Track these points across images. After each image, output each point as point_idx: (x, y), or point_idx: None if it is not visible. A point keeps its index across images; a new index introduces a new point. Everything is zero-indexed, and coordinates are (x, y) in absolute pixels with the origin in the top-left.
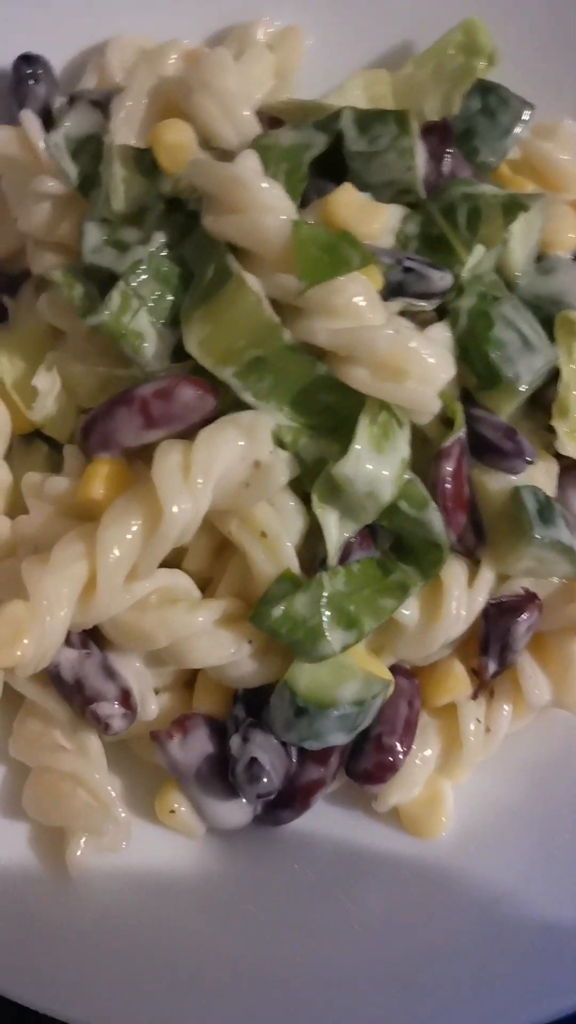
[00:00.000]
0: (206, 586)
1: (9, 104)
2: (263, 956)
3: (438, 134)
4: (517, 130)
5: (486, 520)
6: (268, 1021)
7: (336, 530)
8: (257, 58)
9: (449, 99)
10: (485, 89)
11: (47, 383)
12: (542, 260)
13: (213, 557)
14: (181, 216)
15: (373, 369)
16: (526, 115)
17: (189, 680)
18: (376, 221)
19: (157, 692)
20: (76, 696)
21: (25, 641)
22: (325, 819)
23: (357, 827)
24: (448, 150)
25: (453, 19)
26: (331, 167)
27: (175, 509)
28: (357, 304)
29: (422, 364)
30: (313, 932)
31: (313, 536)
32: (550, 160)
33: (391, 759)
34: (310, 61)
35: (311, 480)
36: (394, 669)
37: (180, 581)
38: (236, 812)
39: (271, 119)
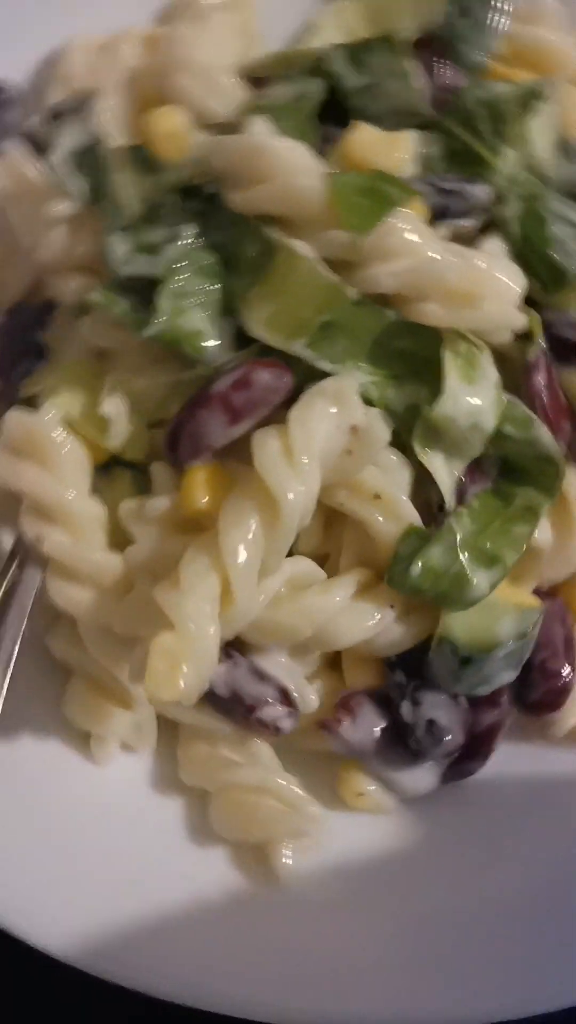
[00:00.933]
0: (323, 564)
1: None
2: (476, 900)
3: (429, 48)
4: (498, 21)
5: None
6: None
7: (446, 472)
8: (216, 23)
9: (425, 10)
10: None
11: (115, 407)
12: (565, 147)
13: (324, 533)
14: (199, 203)
15: (445, 301)
16: (504, 4)
17: (333, 661)
18: (398, 151)
19: (309, 681)
20: (237, 708)
21: (184, 669)
22: (506, 759)
23: (537, 759)
24: (440, 60)
25: None
26: (330, 112)
27: (290, 495)
28: (412, 240)
29: (494, 282)
30: (513, 869)
31: (422, 485)
32: (540, 43)
33: (561, 683)
34: (267, 8)
35: (407, 429)
36: (536, 594)
37: (304, 566)
38: (424, 777)
39: (255, 80)
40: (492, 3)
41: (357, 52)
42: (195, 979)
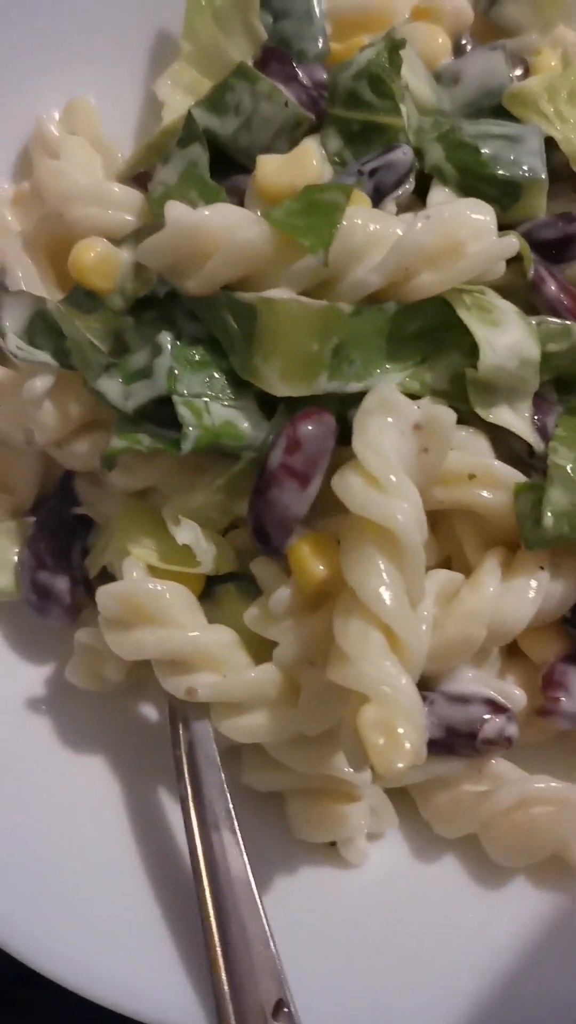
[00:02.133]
0: (447, 566)
1: None
2: None
3: (273, 62)
4: (315, 9)
5: None
6: None
7: (518, 419)
8: (71, 148)
9: (249, 31)
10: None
11: (189, 532)
12: (440, 78)
13: (436, 540)
14: (158, 310)
15: (433, 266)
16: None
17: (512, 649)
18: (307, 161)
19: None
20: (459, 741)
21: (401, 730)
22: None
23: None
24: (289, 66)
25: None
26: (228, 167)
27: (399, 517)
28: (374, 229)
29: (466, 224)
30: None
31: (503, 444)
32: (363, 5)
33: None
34: (108, 109)
35: (464, 400)
36: None
37: (441, 577)
38: None
39: (138, 178)
40: None
41: (215, 99)
42: None
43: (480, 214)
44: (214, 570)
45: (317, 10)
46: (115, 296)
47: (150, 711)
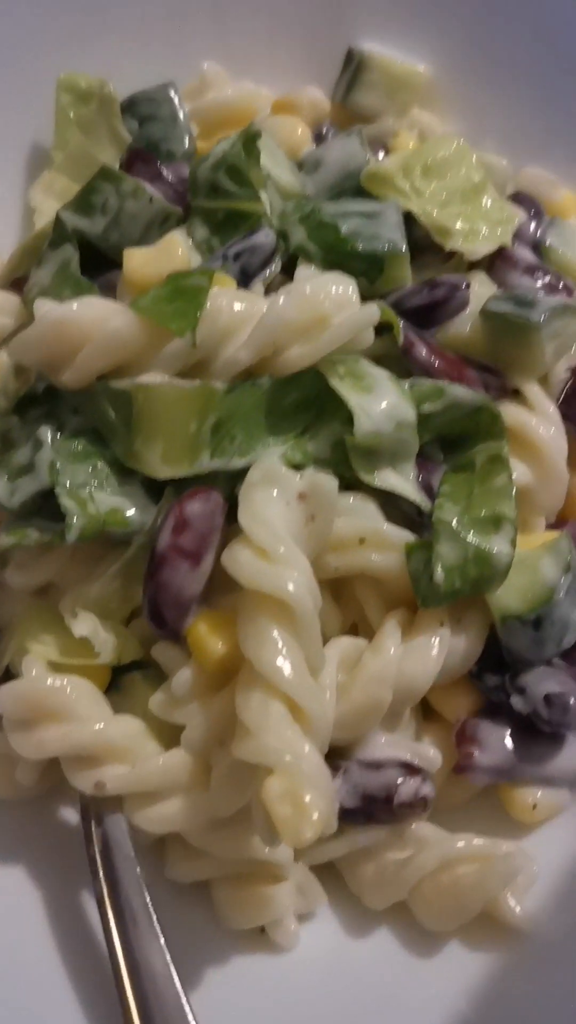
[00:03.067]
0: (354, 634)
1: None
2: None
3: (136, 164)
4: (179, 111)
5: (491, 355)
6: None
7: (402, 481)
8: None
9: (115, 139)
10: (131, 104)
11: (87, 624)
12: (302, 166)
13: (337, 604)
14: (39, 406)
15: (300, 339)
16: (173, 94)
17: (426, 712)
18: (172, 251)
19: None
20: (377, 808)
21: (308, 798)
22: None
23: None
24: (154, 166)
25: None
26: (95, 264)
27: (291, 587)
28: (239, 309)
29: (328, 296)
30: None
31: (392, 504)
32: (222, 103)
33: None
34: None
35: (347, 468)
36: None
37: (344, 644)
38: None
39: (15, 283)
40: (165, 99)
41: (82, 200)
42: None
43: (340, 285)
44: (116, 660)
45: (181, 113)
46: None
47: (70, 814)
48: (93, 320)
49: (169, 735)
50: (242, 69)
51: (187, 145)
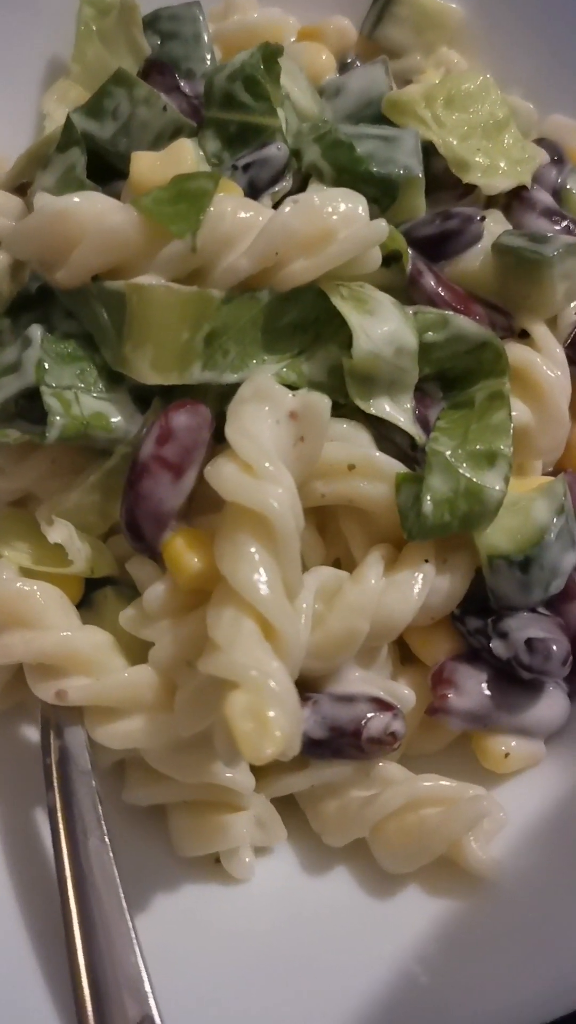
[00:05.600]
0: (337, 567)
1: None
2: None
3: (154, 72)
4: (204, 31)
5: (500, 293)
6: None
7: (399, 411)
8: None
9: (134, 50)
10: (154, 19)
11: (62, 532)
12: (323, 92)
13: (323, 537)
14: (32, 309)
15: (304, 251)
16: (199, 13)
17: (405, 654)
18: (182, 157)
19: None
20: (344, 741)
21: (272, 715)
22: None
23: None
24: (172, 77)
25: None
26: (104, 172)
27: (274, 503)
28: (244, 215)
29: (337, 210)
30: None
31: (387, 436)
32: (246, 25)
33: None
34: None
35: (342, 393)
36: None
37: (325, 573)
38: (554, 704)
39: (21, 188)
40: (190, 16)
41: (94, 104)
42: None
43: (350, 201)
44: (89, 571)
45: (205, 34)
46: None
47: (32, 732)
48: (92, 215)
49: (137, 652)
50: None
51: (208, 65)
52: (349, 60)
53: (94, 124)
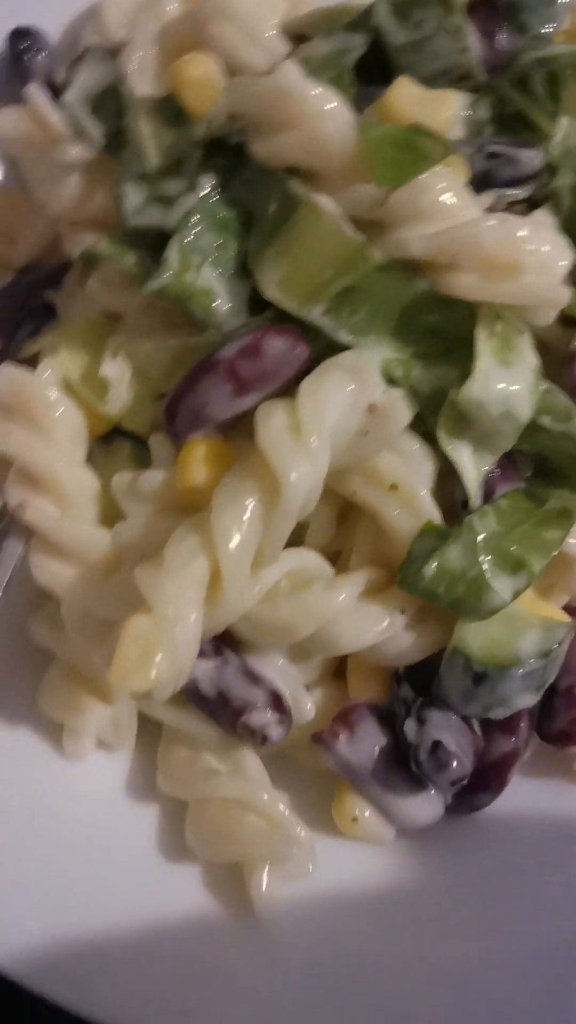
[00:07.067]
0: (334, 561)
1: (10, 87)
2: (482, 957)
3: (484, 10)
4: None
5: None
6: None
7: (473, 466)
8: None
9: None
10: None
11: (116, 370)
12: None
13: (337, 527)
14: (223, 158)
15: (482, 271)
16: None
17: (338, 669)
18: (443, 109)
19: (308, 688)
20: (223, 711)
21: (158, 658)
22: (522, 795)
23: (560, 797)
24: (498, 25)
25: None
26: (373, 72)
27: (293, 476)
28: (447, 202)
29: (536, 252)
30: (527, 923)
31: (446, 479)
32: None
33: None
34: None
35: (433, 415)
36: (566, 611)
37: (309, 559)
38: (426, 807)
39: (297, 38)
40: None
41: (406, 5)
42: (140, 1010)
43: (556, 252)
44: (117, 420)
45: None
46: (200, 124)
47: None
48: (317, 111)
49: (112, 517)
50: None
51: (545, 30)
52: None
53: (394, 24)
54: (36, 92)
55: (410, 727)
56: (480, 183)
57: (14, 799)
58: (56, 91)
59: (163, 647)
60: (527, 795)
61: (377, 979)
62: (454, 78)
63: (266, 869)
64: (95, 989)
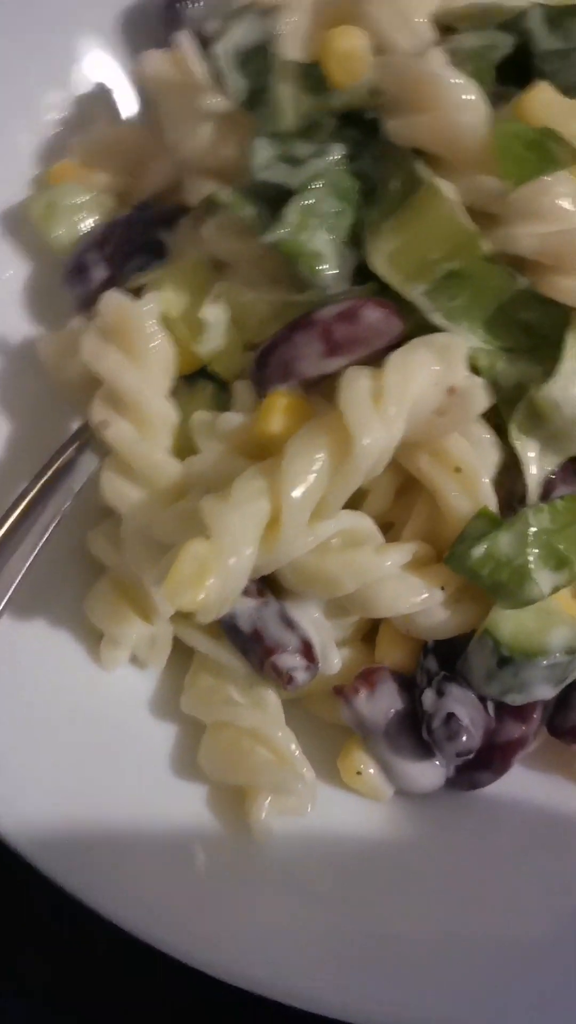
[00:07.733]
0: (386, 531)
1: (160, 31)
2: (449, 928)
3: None
4: None
5: None
6: (455, 993)
7: (536, 464)
8: None
9: None
10: None
11: (215, 315)
12: None
13: (395, 499)
14: (356, 130)
15: None
16: None
17: (369, 633)
18: None
19: (337, 646)
20: (255, 648)
21: (210, 581)
22: (521, 783)
23: (557, 793)
24: None
25: None
26: (514, 74)
27: (366, 441)
28: (563, 206)
29: None
30: (504, 905)
31: (508, 472)
32: None
33: None
34: None
35: (509, 409)
36: None
37: (364, 523)
38: (428, 774)
39: (446, 29)
40: None
41: (560, 15)
42: (139, 907)
43: None
44: (209, 363)
45: None
46: (340, 94)
47: None
48: (455, 99)
49: (182, 448)
50: None
51: None
52: None
53: (544, 30)
54: (185, 39)
55: (428, 697)
56: None
57: (47, 689)
58: (204, 41)
59: (216, 572)
60: (524, 785)
61: (363, 902)
62: None
63: (268, 799)
64: (88, 871)
